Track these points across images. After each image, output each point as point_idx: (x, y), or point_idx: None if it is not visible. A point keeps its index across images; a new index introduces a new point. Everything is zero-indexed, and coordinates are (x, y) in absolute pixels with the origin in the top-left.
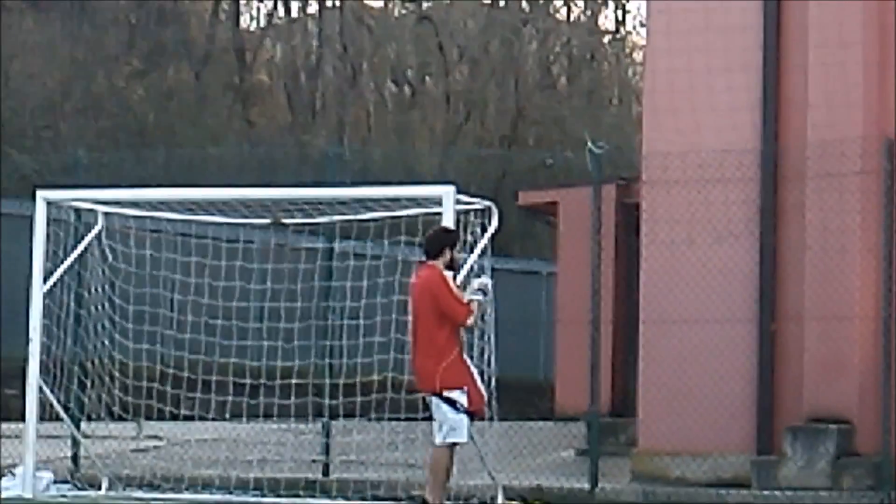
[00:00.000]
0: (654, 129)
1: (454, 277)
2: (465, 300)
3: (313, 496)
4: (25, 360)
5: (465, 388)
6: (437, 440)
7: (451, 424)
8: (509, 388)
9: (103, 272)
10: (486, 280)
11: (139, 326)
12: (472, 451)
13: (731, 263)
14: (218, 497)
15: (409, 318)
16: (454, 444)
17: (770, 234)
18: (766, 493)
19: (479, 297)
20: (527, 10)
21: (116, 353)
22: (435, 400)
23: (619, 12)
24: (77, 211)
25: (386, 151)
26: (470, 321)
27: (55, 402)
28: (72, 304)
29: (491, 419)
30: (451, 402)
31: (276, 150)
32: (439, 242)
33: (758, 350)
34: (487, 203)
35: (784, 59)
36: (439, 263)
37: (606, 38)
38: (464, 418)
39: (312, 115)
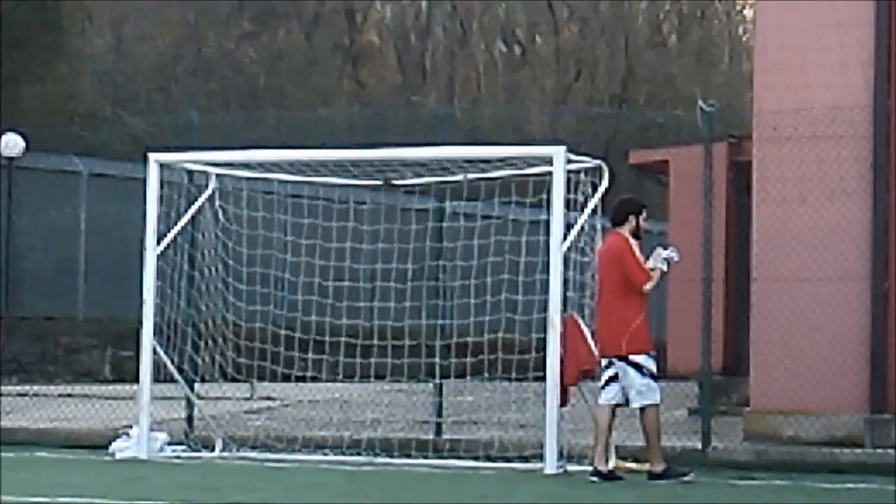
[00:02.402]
0: (765, 87)
1: (639, 245)
2: (649, 265)
3: (426, 456)
4: (139, 321)
5: (652, 352)
6: (633, 404)
7: (637, 388)
8: None
9: (216, 234)
10: (672, 253)
11: (252, 288)
12: (584, 410)
13: (844, 221)
14: (331, 458)
15: (596, 284)
16: (652, 405)
17: (883, 191)
18: (879, 451)
19: (663, 266)
20: None
21: (229, 315)
22: (621, 364)
23: None
24: (189, 173)
25: (496, 111)
26: (648, 286)
27: (169, 364)
28: (185, 265)
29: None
30: (638, 367)
31: (386, 111)
32: (624, 210)
33: (870, 308)
34: (598, 162)
35: None
36: (625, 231)
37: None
38: (650, 382)
39: (422, 75)
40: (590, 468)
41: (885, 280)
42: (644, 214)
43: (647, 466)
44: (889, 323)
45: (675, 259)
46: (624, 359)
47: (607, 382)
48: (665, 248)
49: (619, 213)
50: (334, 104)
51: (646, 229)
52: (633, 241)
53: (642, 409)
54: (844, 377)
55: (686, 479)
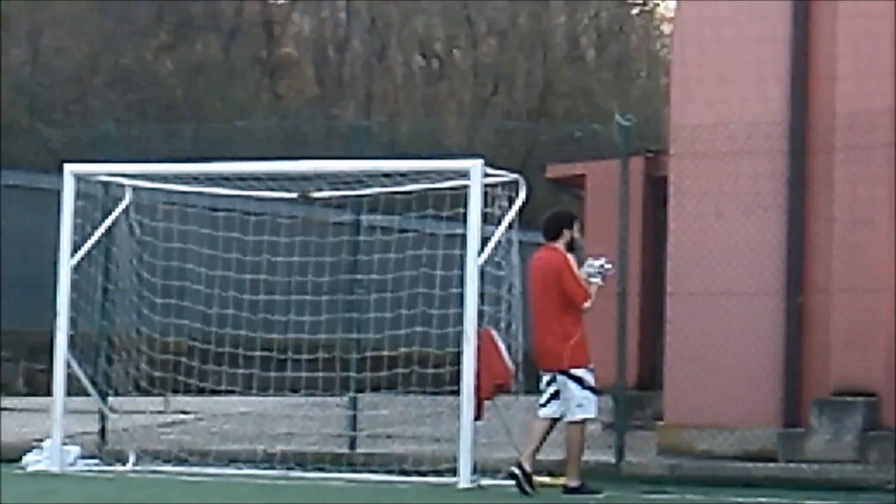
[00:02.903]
0: (683, 102)
1: (574, 258)
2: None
3: (340, 470)
4: (53, 334)
5: (592, 366)
6: (567, 417)
7: (578, 401)
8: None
9: (131, 246)
10: (605, 262)
11: (167, 300)
12: (498, 424)
13: (759, 236)
14: (245, 471)
15: (531, 300)
16: (584, 420)
17: (798, 206)
18: (792, 466)
19: (598, 280)
20: None
21: (144, 328)
22: (561, 378)
23: None
24: (105, 185)
25: (413, 124)
26: (587, 305)
27: (83, 377)
28: (99, 278)
29: (517, 392)
30: (579, 380)
31: (304, 124)
32: (557, 223)
33: (785, 323)
34: (515, 176)
35: (813, 30)
36: (560, 245)
37: (634, 10)
38: (590, 395)
39: (340, 88)
40: (504, 482)
41: (800, 295)
42: (576, 226)
43: (562, 480)
44: (803, 338)
45: (609, 270)
46: (565, 373)
47: (550, 398)
48: (596, 259)
49: (552, 227)
50: (252, 116)
51: (579, 242)
52: (569, 256)
53: (571, 422)
54: (758, 391)
55: (598, 496)
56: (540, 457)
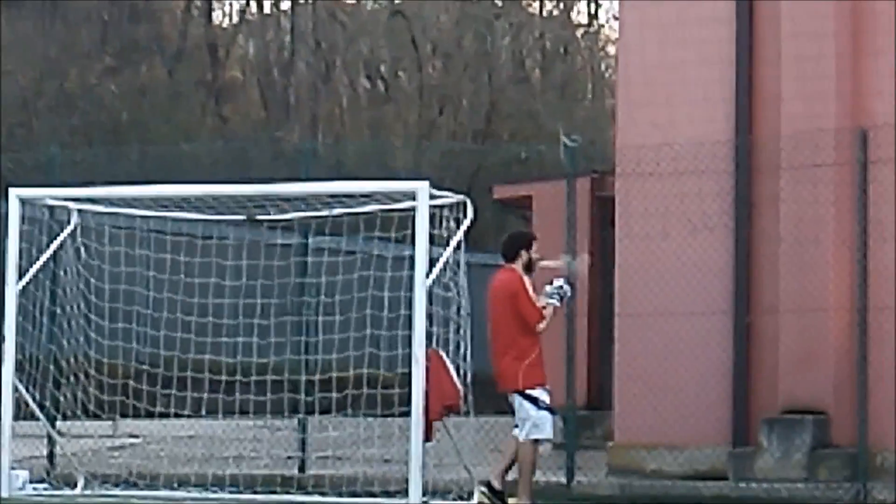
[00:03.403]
0: (628, 122)
1: (531, 279)
2: (540, 303)
3: (290, 492)
4: (0, 358)
5: (547, 385)
6: (521, 437)
7: (533, 421)
8: (485, 383)
9: (78, 270)
10: (562, 283)
11: (114, 324)
12: (448, 445)
13: (706, 256)
14: (194, 494)
15: (489, 320)
16: (537, 440)
17: (745, 226)
18: (742, 485)
19: (555, 301)
20: (500, 4)
21: (91, 351)
22: (518, 398)
23: (592, 6)
24: (51, 209)
25: (360, 146)
26: (541, 326)
27: (30, 401)
28: (46, 301)
29: (467, 414)
30: (534, 400)
31: (250, 146)
32: (514, 245)
33: (733, 342)
34: (462, 197)
35: (757, 52)
36: (518, 266)
37: (579, 32)
38: (546, 415)
39: (286, 110)
40: (454, 502)
41: (748, 314)
42: (534, 247)
43: (512, 501)
44: (752, 357)
45: (567, 292)
46: (520, 393)
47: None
48: (555, 280)
49: (509, 248)
50: (197, 139)
51: (538, 261)
52: (525, 278)
53: (524, 442)
54: (708, 411)
55: None
56: (483, 477)
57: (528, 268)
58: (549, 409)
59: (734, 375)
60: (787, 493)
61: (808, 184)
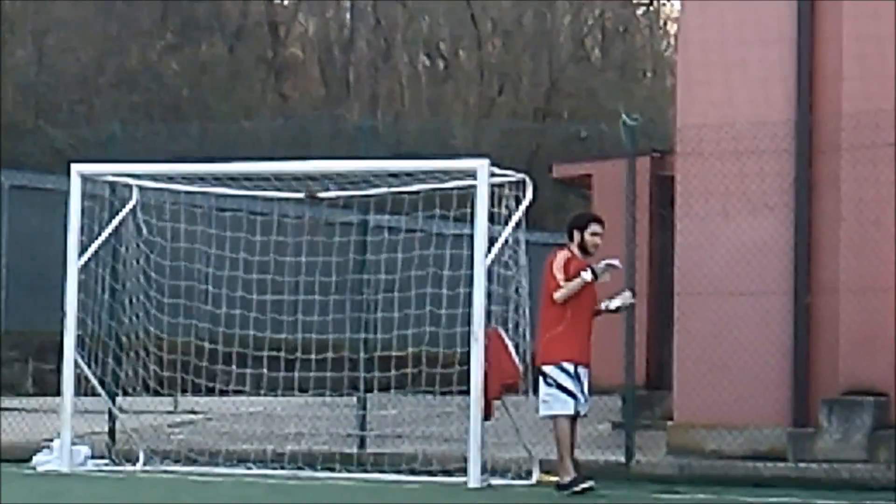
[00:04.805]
0: (688, 102)
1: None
2: (591, 275)
3: (349, 470)
4: (61, 334)
5: (566, 363)
6: (538, 414)
7: (542, 398)
8: None
9: (138, 246)
10: (611, 260)
11: (174, 300)
12: (507, 424)
13: (766, 236)
14: (254, 471)
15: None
16: (557, 416)
17: (805, 206)
18: (801, 465)
19: (587, 275)
20: None
21: (152, 328)
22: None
23: None
24: (112, 185)
25: (419, 125)
26: (557, 295)
27: (91, 377)
28: (107, 278)
29: (526, 392)
30: (545, 376)
31: (310, 124)
32: (569, 226)
33: (793, 322)
34: (521, 176)
35: (818, 31)
36: (573, 245)
37: (640, 11)
38: (556, 392)
39: (346, 88)
40: (513, 482)
41: (808, 294)
42: (592, 228)
43: (555, 478)
44: (812, 337)
45: (605, 268)
46: (538, 368)
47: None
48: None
49: (567, 228)
50: (257, 117)
51: (596, 244)
52: (570, 255)
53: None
54: (767, 391)
55: (586, 485)
56: (551, 456)
57: (583, 248)
58: (560, 387)
59: (794, 356)
60: (846, 474)
61: (869, 164)
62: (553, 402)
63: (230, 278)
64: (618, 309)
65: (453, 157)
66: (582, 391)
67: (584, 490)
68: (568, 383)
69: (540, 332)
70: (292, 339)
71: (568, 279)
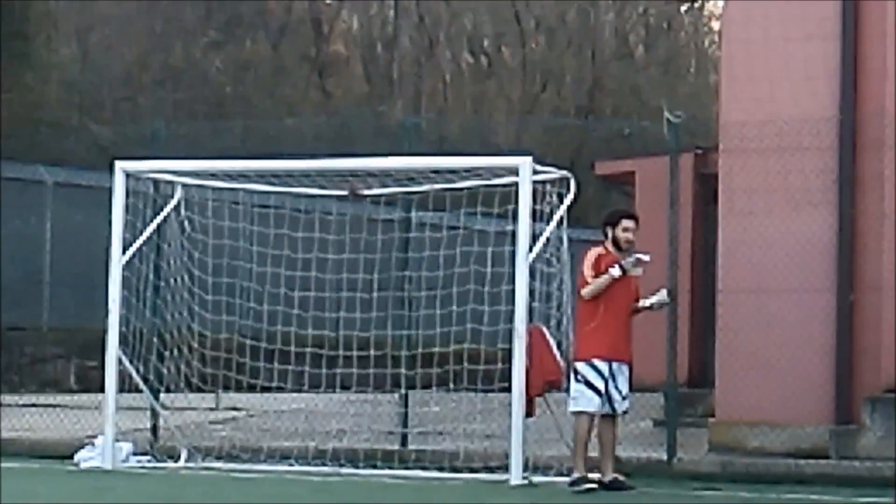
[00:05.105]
0: (732, 99)
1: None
2: (619, 270)
3: (391, 467)
4: (105, 331)
5: (596, 361)
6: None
7: (571, 394)
8: None
9: (182, 243)
10: (639, 255)
11: (217, 297)
12: (549, 421)
13: (810, 233)
14: (296, 468)
15: None
16: (581, 412)
17: (849, 203)
18: (844, 463)
19: (615, 271)
20: None
21: (195, 325)
22: None
23: None
24: (155, 182)
25: (462, 122)
26: (584, 291)
27: (134, 374)
28: (150, 275)
29: (568, 390)
30: (576, 372)
31: (353, 121)
32: (603, 222)
33: (836, 320)
34: (564, 173)
35: (862, 28)
36: (607, 242)
37: (683, 8)
38: (584, 389)
39: (389, 85)
40: (555, 479)
41: (851, 292)
42: (623, 224)
43: (595, 476)
44: (855, 335)
45: (644, 259)
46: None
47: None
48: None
49: (601, 225)
50: (301, 114)
51: (629, 239)
52: (603, 251)
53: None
54: (810, 389)
55: (589, 486)
56: (593, 454)
57: (616, 244)
58: (588, 384)
59: (837, 353)
60: (889, 472)
61: None
62: (579, 399)
63: (273, 275)
64: (652, 307)
65: (496, 154)
66: (618, 388)
67: (587, 490)
68: (596, 381)
69: (575, 328)
70: (334, 336)
71: (597, 276)
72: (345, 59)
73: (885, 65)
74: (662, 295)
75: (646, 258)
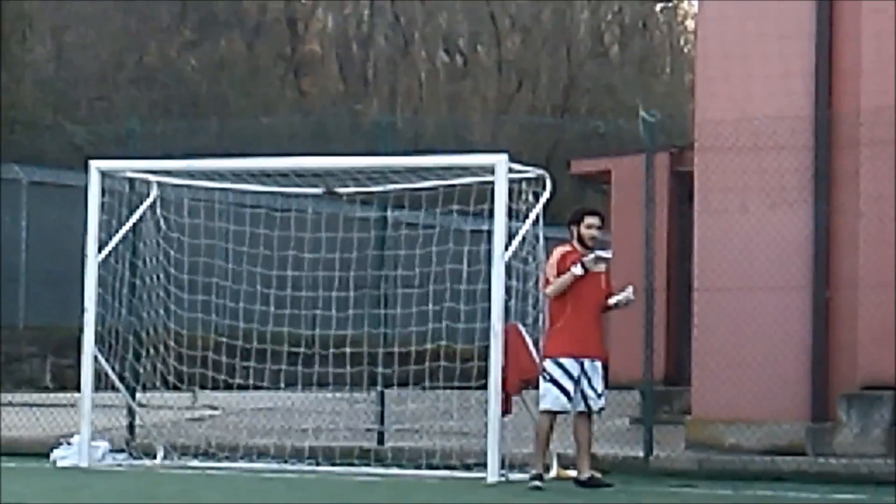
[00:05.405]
0: (707, 97)
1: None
2: (580, 268)
3: (368, 465)
4: (81, 329)
5: (560, 359)
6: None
7: (541, 391)
8: None
9: (157, 242)
10: (602, 253)
11: (193, 296)
12: (526, 419)
13: (785, 231)
14: (273, 465)
15: None
16: (547, 411)
17: (824, 201)
18: (821, 460)
19: (577, 269)
20: None
21: (171, 323)
22: None
23: None
24: (131, 181)
25: (438, 121)
26: (547, 290)
27: (110, 372)
28: (126, 273)
29: None
30: (544, 370)
31: (329, 120)
32: (567, 221)
33: (812, 317)
34: (540, 171)
35: (837, 26)
36: (574, 240)
37: (658, 6)
38: (550, 387)
39: (364, 84)
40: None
41: (827, 289)
42: (587, 221)
43: (572, 473)
44: (830, 332)
45: (604, 254)
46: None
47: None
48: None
49: (567, 224)
50: (276, 113)
51: (594, 236)
52: (569, 249)
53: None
54: (786, 386)
55: (539, 484)
56: (569, 451)
57: (582, 242)
58: (554, 381)
59: (813, 350)
60: (866, 468)
61: (888, 159)
62: (546, 397)
63: (248, 274)
64: (617, 304)
65: (472, 153)
66: (593, 386)
67: (533, 488)
68: (563, 379)
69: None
70: (311, 334)
71: (560, 274)
72: (320, 59)
73: (859, 63)
74: (628, 293)
75: (606, 255)
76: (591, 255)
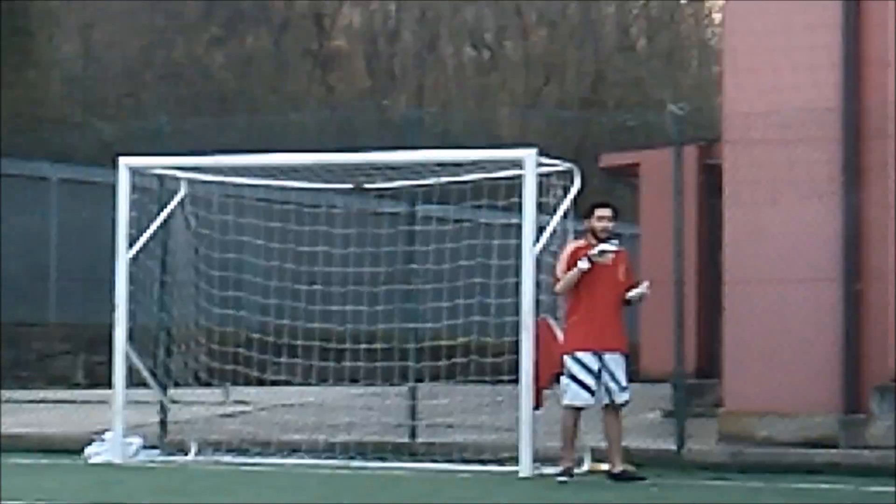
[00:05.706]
0: (735, 90)
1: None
2: (586, 263)
3: (400, 459)
4: (112, 327)
5: (577, 353)
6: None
7: (562, 387)
8: None
9: (188, 239)
10: (606, 245)
11: (224, 292)
12: (558, 413)
13: (815, 223)
14: (306, 461)
15: None
16: (569, 406)
17: (854, 193)
18: (853, 452)
19: (583, 263)
20: None
21: (202, 319)
22: None
23: None
24: (160, 178)
25: (466, 115)
26: (556, 287)
27: (142, 368)
28: (157, 270)
29: None
30: (563, 366)
31: (356, 115)
32: (581, 216)
33: (843, 309)
34: (569, 165)
35: (865, 17)
36: (589, 234)
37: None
38: (570, 382)
39: (392, 79)
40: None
41: (857, 281)
42: (597, 213)
43: (604, 466)
44: (862, 324)
45: (609, 248)
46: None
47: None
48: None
49: (581, 219)
50: (304, 109)
51: (605, 228)
52: (582, 244)
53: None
54: (818, 378)
55: (564, 479)
56: (602, 444)
57: (595, 235)
58: (573, 377)
59: (844, 342)
60: None
61: None
62: (567, 392)
63: (278, 269)
64: (631, 301)
65: (500, 147)
66: (615, 379)
67: (562, 483)
68: (582, 374)
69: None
70: (341, 329)
71: (569, 269)
72: (347, 54)
73: (887, 54)
74: (643, 288)
75: (610, 247)
76: (596, 249)
